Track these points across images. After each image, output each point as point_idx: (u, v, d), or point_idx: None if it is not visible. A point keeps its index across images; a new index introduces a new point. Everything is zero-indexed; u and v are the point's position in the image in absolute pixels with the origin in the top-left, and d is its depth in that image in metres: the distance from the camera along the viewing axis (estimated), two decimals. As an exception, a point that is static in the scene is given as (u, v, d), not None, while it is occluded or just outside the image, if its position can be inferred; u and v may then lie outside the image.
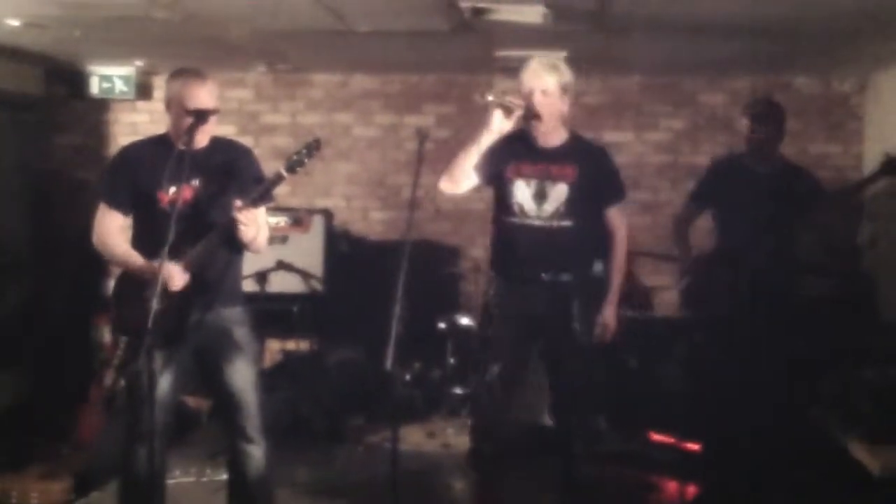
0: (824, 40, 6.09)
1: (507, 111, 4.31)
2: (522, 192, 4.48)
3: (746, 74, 7.61)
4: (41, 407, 6.72)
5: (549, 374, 4.73)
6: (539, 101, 4.36)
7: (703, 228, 5.67)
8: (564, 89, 4.42)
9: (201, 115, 3.99)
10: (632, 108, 7.83)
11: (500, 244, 4.66)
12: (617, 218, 4.63)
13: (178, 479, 5.46)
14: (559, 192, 4.45)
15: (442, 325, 7.04)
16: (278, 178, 4.00)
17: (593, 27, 5.74)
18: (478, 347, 6.83)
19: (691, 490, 5.49)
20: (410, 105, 7.99)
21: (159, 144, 4.12)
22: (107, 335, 7.15)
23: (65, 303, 7.58)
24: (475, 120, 7.67)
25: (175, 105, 4.07)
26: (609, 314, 4.61)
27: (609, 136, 7.81)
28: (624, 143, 7.80)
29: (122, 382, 6.11)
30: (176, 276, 3.95)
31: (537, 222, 4.47)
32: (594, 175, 4.50)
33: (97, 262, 7.80)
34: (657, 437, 6.21)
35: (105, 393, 6.31)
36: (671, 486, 5.67)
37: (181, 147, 3.97)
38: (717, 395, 5.33)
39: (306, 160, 4.02)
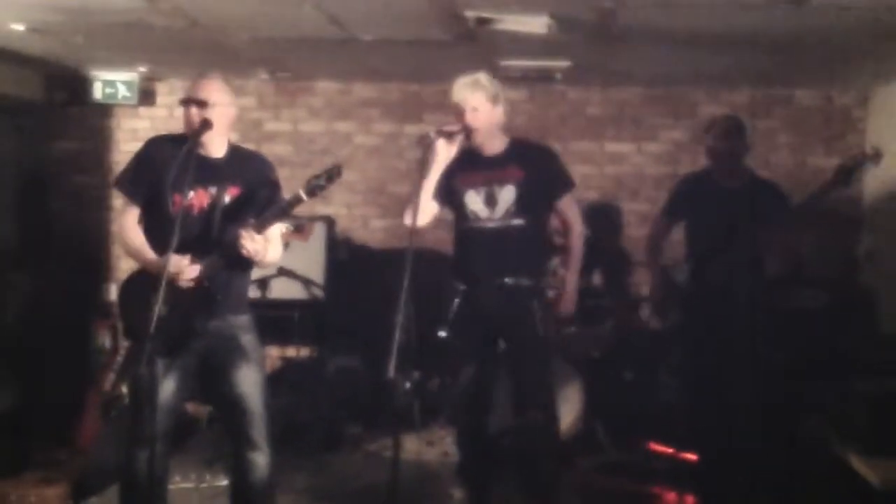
0: (825, 53, 6.11)
1: (448, 136, 4.49)
2: (474, 200, 4.70)
3: (747, 86, 7.63)
4: (39, 412, 6.71)
5: (511, 375, 4.80)
6: (472, 119, 4.56)
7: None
8: (493, 100, 4.61)
9: (189, 103, 4.08)
10: (632, 119, 7.84)
11: (459, 251, 4.89)
12: (569, 209, 4.84)
13: (178, 484, 5.46)
14: (507, 194, 4.65)
15: (442, 334, 7.03)
16: (296, 201, 4.04)
17: (596, 38, 5.76)
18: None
19: (690, 500, 5.49)
20: (411, 114, 8.00)
21: (181, 143, 4.08)
22: (106, 340, 7.15)
23: (63, 308, 7.57)
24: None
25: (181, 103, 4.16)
26: (568, 296, 4.86)
27: (609, 147, 7.84)
28: (624, 154, 7.82)
29: (123, 388, 6.15)
30: (186, 269, 3.96)
31: (490, 224, 4.68)
32: (539, 172, 4.70)
33: (96, 268, 7.87)
34: (656, 447, 6.23)
35: (104, 398, 6.31)
36: (670, 496, 5.68)
37: (188, 147, 4.01)
38: (709, 406, 5.35)
39: (326, 184, 4.07)
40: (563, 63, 6.51)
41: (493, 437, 4.98)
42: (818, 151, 7.57)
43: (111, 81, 7.63)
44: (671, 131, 7.83)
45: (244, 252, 3.96)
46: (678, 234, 5.72)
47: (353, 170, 8.00)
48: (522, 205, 4.64)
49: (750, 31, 5.44)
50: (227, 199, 4.14)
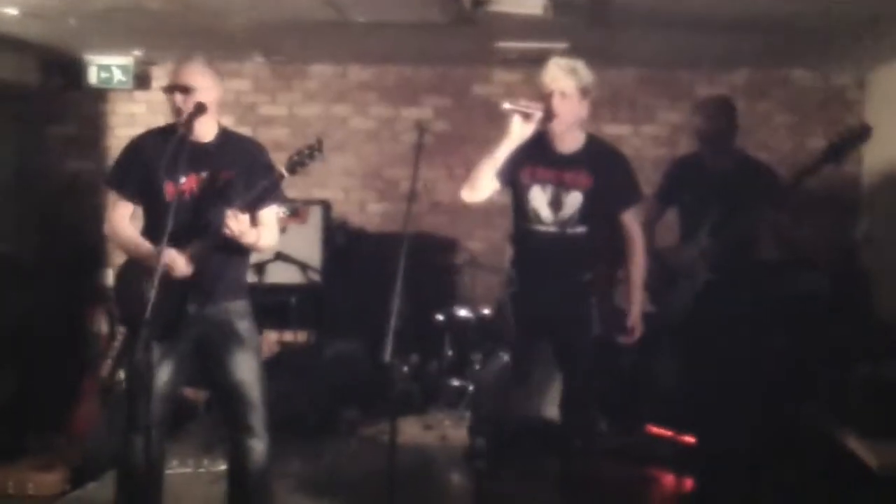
0: (823, 34, 6.09)
1: (526, 116, 4.27)
2: (538, 198, 4.46)
3: (744, 68, 7.62)
4: (37, 399, 6.70)
5: (562, 372, 4.71)
6: (557, 105, 4.31)
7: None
8: (584, 92, 4.38)
9: (173, 89, 4.04)
10: (629, 101, 7.82)
11: (518, 246, 4.68)
12: (631, 222, 4.61)
13: (176, 469, 5.47)
14: (574, 200, 4.42)
15: (440, 318, 7.05)
16: (279, 178, 4.02)
17: (592, 20, 5.73)
18: (477, 340, 6.85)
19: (689, 483, 5.50)
20: (407, 97, 7.98)
21: (169, 134, 4.08)
22: (103, 327, 7.14)
23: (60, 294, 7.56)
24: (472, 113, 7.79)
25: (164, 90, 4.14)
26: (634, 315, 4.65)
27: (606, 130, 7.78)
28: (621, 137, 7.78)
29: (120, 374, 6.14)
30: (179, 263, 3.95)
31: (553, 229, 4.46)
32: (608, 181, 4.46)
33: (93, 254, 7.85)
34: (655, 430, 6.23)
35: (101, 384, 6.30)
36: (669, 479, 5.68)
37: (181, 133, 3.99)
38: (707, 390, 5.34)
39: (307, 161, 4.02)
40: (560, 45, 6.47)
41: (515, 429, 4.95)
42: (816, 133, 7.53)
43: (106, 66, 7.59)
44: (668, 113, 7.82)
45: (229, 233, 3.93)
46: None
47: (349, 153, 8.00)
48: (587, 213, 4.43)
49: (747, 12, 5.42)
50: (220, 183, 4.11)
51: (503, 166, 4.39)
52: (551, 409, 5.12)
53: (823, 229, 7.39)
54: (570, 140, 4.46)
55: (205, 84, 4.08)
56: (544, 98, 4.33)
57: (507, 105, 4.29)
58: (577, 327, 4.50)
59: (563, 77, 4.32)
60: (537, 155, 4.44)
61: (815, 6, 5.20)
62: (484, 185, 4.41)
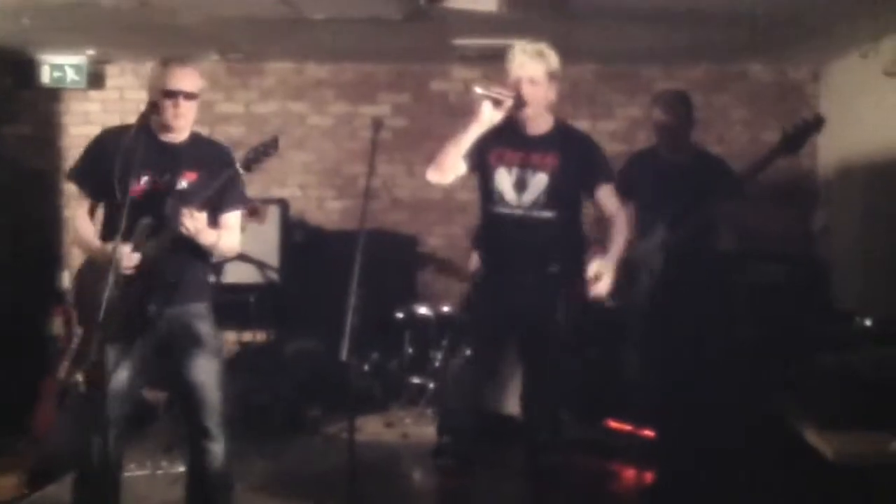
0: (779, 29, 6.14)
1: (497, 103, 4.24)
2: (503, 180, 4.43)
3: (702, 63, 7.66)
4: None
5: (524, 364, 4.67)
6: (527, 91, 4.30)
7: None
8: (552, 76, 4.40)
9: (177, 95, 3.99)
10: (587, 96, 7.84)
11: (484, 232, 4.65)
12: (610, 200, 4.53)
13: (134, 471, 5.42)
14: (538, 182, 4.39)
15: (400, 315, 7.04)
16: (235, 175, 3.98)
17: (549, 15, 5.74)
18: (437, 337, 6.84)
19: (648, 477, 5.52)
20: (365, 94, 7.96)
21: (137, 132, 4.00)
22: (61, 328, 7.07)
23: (17, 295, 7.48)
24: (431, 109, 7.79)
25: (155, 90, 4.02)
26: (604, 265, 4.43)
27: (565, 125, 7.83)
28: (580, 132, 7.82)
29: (78, 375, 6.07)
30: (125, 256, 3.88)
31: (517, 211, 4.42)
32: (577, 163, 4.44)
33: (50, 255, 7.78)
34: (614, 424, 6.25)
35: (59, 386, 6.24)
36: (629, 472, 5.71)
37: (162, 138, 4.02)
38: (666, 383, 5.36)
39: (263, 158, 3.99)
40: (517, 42, 6.47)
41: (481, 424, 4.94)
42: (772, 126, 7.55)
43: (59, 65, 7.54)
44: (627, 108, 7.86)
45: (184, 231, 3.90)
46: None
47: (307, 151, 7.98)
48: (553, 197, 4.38)
49: (704, 7, 5.45)
50: (183, 184, 4.07)
51: (470, 149, 4.36)
52: (513, 403, 5.12)
53: (781, 221, 7.47)
54: (538, 123, 4.45)
55: (199, 88, 4.10)
56: (512, 85, 4.31)
57: (478, 90, 4.26)
58: (543, 317, 4.44)
59: (531, 62, 4.33)
60: (505, 138, 4.42)
61: (771, 1, 5.24)
62: (450, 167, 4.38)
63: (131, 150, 3.91)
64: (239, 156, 4.02)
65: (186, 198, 4.00)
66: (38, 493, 5.32)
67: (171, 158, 4.05)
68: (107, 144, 4.10)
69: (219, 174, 4.02)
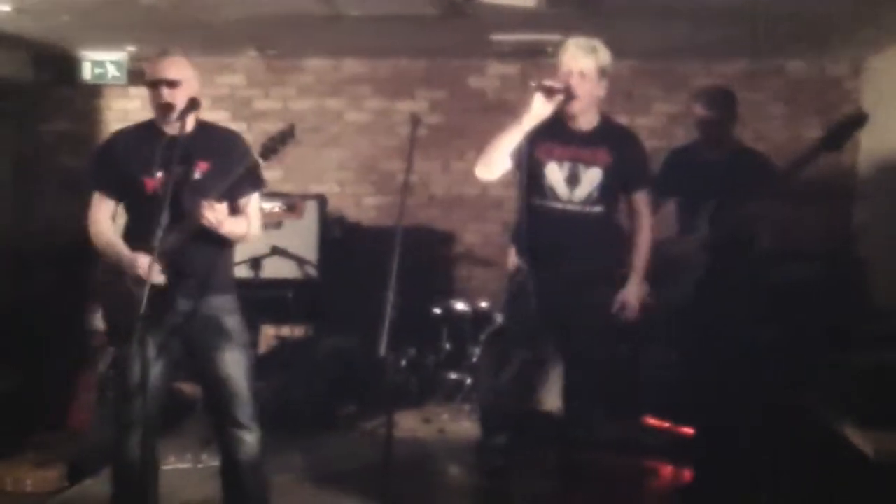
0: (818, 24, 6.08)
1: (548, 94, 4.27)
2: (555, 175, 4.46)
3: (739, 58, 7.60)
4: (35, 395, 6.69)
5: (567, 361, 4.70)
6: (577, 84, 4.33)
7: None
8: (602, 72, 4.41)
9: (159, 84, 3.99)
10: (624, 93, 7.80)
11: (529, 227, 4.55)
12: (642, 203, 4.61)
13: (173, 465, 5.46)
14: (593, 177, 4.44)
15: (437, 311, 7.04)
16: (253, 165, 3.97)
17: (586, 11, 5.72)
18: (474, 333, 6.84)
19: (686, 475, 5.49)
20: (402, 90, 7.97)
21: (146, 129, 4.07)
22: (99, 323, 7.12)
23: (56, 290, 7.55)
24: (467, 105, 7.78)
25: (146, 83, 4.06)
26: (631, 293, 4.58)
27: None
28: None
29: (112, 371, 6.14)
30: (144, 266, 3.89)
31: (570, 206, 4.46)
32: (626, 161, 4.48)
33: (88, 249, 7.83)
34: (651, 422, 6.22)
35: (98, 380, 6.29)
36: (667, 470, 5.68)
37: (167, 130, 4.01)
38: (704, 381, 5.33)
39: (280, 146, 3.99)
40: (554, 37, 6.46)
41: (524, 420, 4.94)
42: (812, 123, 7.53)
43: (100, 62, 7.58)
44: (664, 104, 7.82)
45: (205, 223, 3.89)
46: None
47: (344, 147, 7.99)
48: (605, 192, 4.44)
49: (741, 3, 5.41)
50: (197, 174, 4.06)
51: (516, 147, 4.38)
52: (552, 400, 5.12)
53: (820, 217, 7.41)
54: (586, 119, 4.48)
55: (188, 76, 4.06)
56: (563, 78, 4.34)
57: (532, 83, 4.30)
58: (589, 313, 4.48)
59: (583, 56, 4.36)
60: (553, 133, 4.44)
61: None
62: (499, 162, 4.41)
63: (141, 146, 3.95)
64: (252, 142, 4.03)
65: (203, 188, 3.99)
66: (78, 486, 5.37)
67: (182, 150, 4.00)
68: (118, 144, 4.13)
69: (231, 161, 4.01)
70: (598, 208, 4.45)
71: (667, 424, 6.11)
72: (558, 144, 4.45)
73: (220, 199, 3.90)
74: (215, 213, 3.89)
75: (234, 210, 4.08)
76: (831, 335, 5.71)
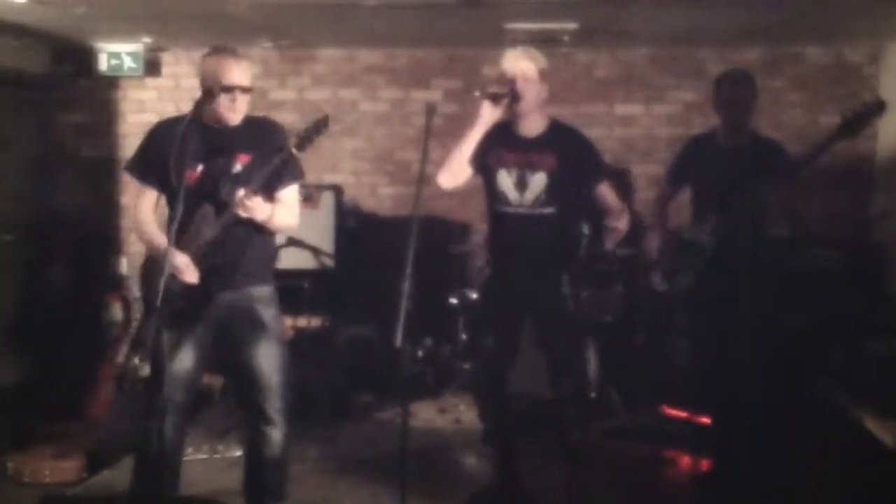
0: (836, 9, 6.04)
1: (494, 99, 4.51)
2: (505, 181, 4.66)
3: (755, 45, 7.56)
4: (53, 386, 6.74)
5: (542, 347, 4.82)
6: (521, 86, 4.53)
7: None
8: (542, 76, 4.59)
9: (233, 90, 4.02)
10: (641, 80, 7.78)
11: (492, 229, 4.93)
12: (609, 197, 4.74)
13: (191, 455, 5.47)
14: (538, 181, 4.60)
15: (453, 301, 7.04)
16: (287, 156, 3.97)
17: (601, -1, 5.71)
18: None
19: (704, 464, 5.49)
20: (417, 80, 7.96)
21: (189, 122, 4.02)
22: (118, 313, 7.16)
23: (75, 281, 7.59)
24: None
25: (210, 82, 4.02)
26: (621, 221, 4.78)
27: (619, 109, 7.80)
28: (633, 116, 7.78)
29: (135, 360, 6.17)
30: (182, 266, 3.94)
31: (521, 210, 4.65)
32: (574, 161, 4.62)
33: (106, 241, 7.87)
34: (669, 411, 6.22)
35: (116, 371, 6.32)
36: (685, 459, 5.68)
37: (214, 125, 4.05)
38: (720, 369, 5.31)
39: (315, 136, 3.98)
40: (570, 25, 6.45)
41: (517, 407, 5.03)
42: (829, 110, 7.47)
43: (116, 53, 7.59)
44: (680, 91, 7.79)
45: (243, 214, 3.91)
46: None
47: (359, 137, 7.99)
48: (553, 194, 4.60)
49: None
50: (238, 167, 4.08)
51: (474, 153, 4.63)
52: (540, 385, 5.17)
53: (836, 205, 7.38)
54: (533, 124, 4.67)
55: (250, 82, 4.13)
56: (507, 82, 4.56)
57: (477, 93, 4.57)
58: (553, 305, 4.66)
59: (524, 60, 4.59)
60: (503, 140, 4.66)
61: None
62: (459, 171, 4.66)
63: (185, 138, 3.93)
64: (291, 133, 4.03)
65: (242, 181, 4.01)
66: (96, 477, 5.39)
67: (224, 143, 4.06)
68: (161, 136, 4.13)
69: (272, 153, 4.01)
70: (548, 210, 4.62)
71: (684, 414, 6.11)
72: (507, 151, 4.66)
73: (257, 190, 3.92)
74: (251, 205, 3.91)
75: (272, 200, 4.09)
76: (847, 323, 5.69)
